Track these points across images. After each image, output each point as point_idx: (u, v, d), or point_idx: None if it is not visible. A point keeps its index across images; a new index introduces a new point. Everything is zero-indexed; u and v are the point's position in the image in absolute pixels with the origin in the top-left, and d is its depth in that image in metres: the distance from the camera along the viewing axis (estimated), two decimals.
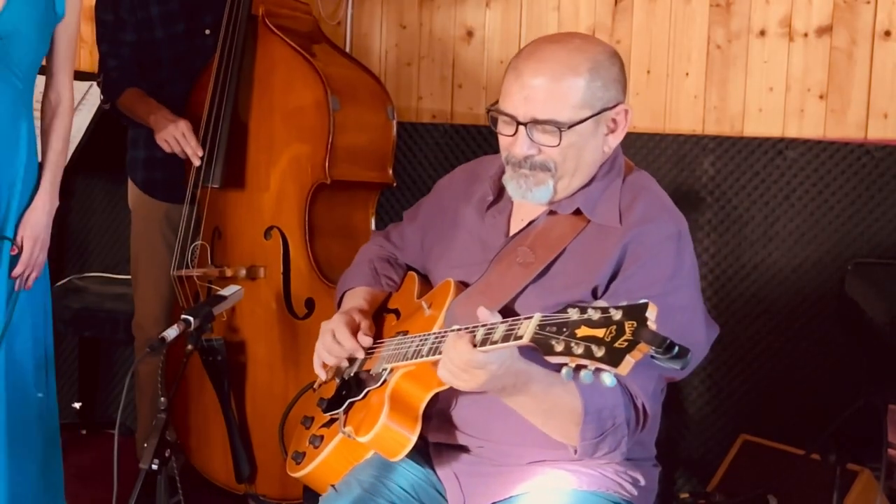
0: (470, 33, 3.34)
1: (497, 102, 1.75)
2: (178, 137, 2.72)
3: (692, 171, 3.00)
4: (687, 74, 3.07)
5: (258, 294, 2.69)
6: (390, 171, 2.85)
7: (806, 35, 2.94)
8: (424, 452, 1.88)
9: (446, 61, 3.37)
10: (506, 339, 1.46)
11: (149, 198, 3.03)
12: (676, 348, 1.28)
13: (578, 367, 1.35)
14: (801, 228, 2.90)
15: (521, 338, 1.43)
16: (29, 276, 2.36)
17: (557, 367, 1.69)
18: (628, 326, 1.31)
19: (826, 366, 2.87)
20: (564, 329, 1.37)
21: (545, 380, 1.60)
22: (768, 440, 2.73)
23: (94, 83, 3.64)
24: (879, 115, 2.88)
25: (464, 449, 1.84)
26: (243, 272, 2.68)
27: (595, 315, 1.35)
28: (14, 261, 2.34)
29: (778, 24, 2.96)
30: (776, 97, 2.98)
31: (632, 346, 1.30)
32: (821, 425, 2.42)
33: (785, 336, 2.92)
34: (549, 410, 1.64)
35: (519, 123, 1.70)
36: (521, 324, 1.45)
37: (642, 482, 1.81)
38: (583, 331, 1.35)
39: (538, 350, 1.39)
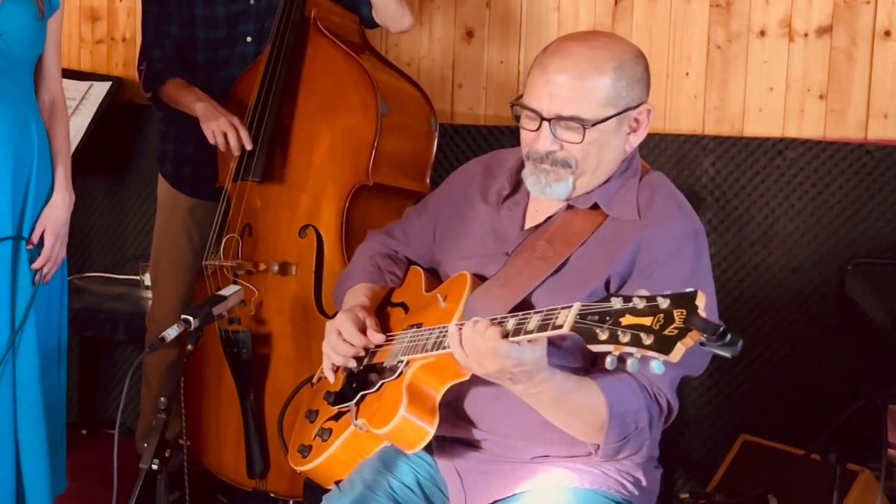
0: (470, 33, 3.34)
1: (521, 97, 1.76)
2: (227, 131, 2.68)
3: (692, 171, 3.00)
4: (687, 74, 3.07)
5: (288, 291, 2.69)
6: (427, 182, 2.83)
7: (806, 35, 2.94)
8: (428, 446, 1.88)
9: (446, 61, 3.37)
10: (542, 328, 1.46)
11: (176, 192, 3.04)
12: (729, 336, 1.28)
13: (623, 356, 1.34)
14: (801, 228, 2.90)
15: (560, 327, 1.43)
16: (49, 271, 2.40)
17: (581, 370, 1.71)
18: (678, 314, 1.31)
19: (826, 366, 2.86)
20: (608, 318, 1.37)
21: (566, 386, 1.60)
22: (768, 440, 2.73)
23: (93, 83, 3.66)
24: (879, 115, 2.88)
25: (468, 444, 1.84)
26: (276, 268, 2.68)
27: (640, 304, 1.35)
28: (33, 256, 2.38)
29: (778, 24, 2.96)
30: (776, 97, 2.98)
31: (683, 333, 1.29)
32: (821, 425, 2.42)
33: (785, 336, 2.92)
34: (570, 414, 1.64)
35: (543, 119, 1.71)
36: (560, 313, 1.45)
37: (644, 483, 1.82)
38: (627, 319, 1.35)
39: (581, 338, 1.39)
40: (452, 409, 1.83)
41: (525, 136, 1.78)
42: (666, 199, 1.77)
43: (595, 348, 1.38)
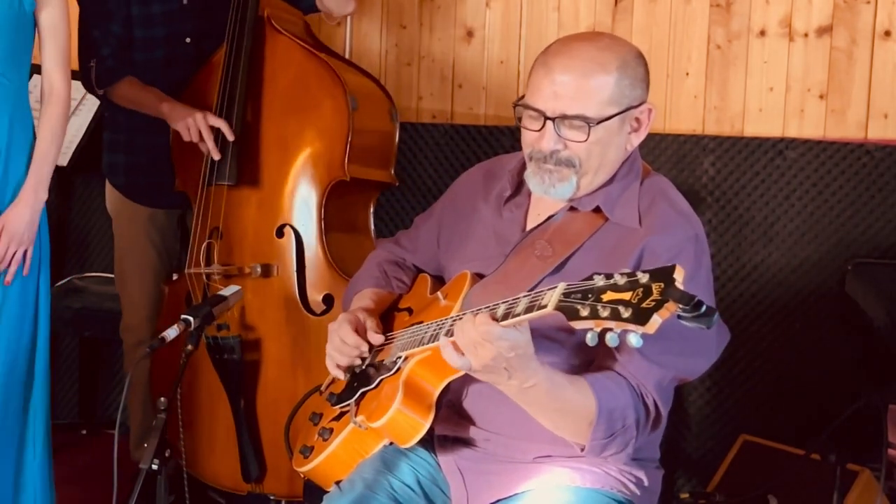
0: (470, 33, 3.34)
1: (523, 97, 1.76)
2: (201, 127, 2.66)
3: (692, 171, 3.01)
4: (687, 74, 3.07)
5: (271, 292, 2.69)
6: (392, 172, 2.88)
7: (806, 35, 2.94)
8: (430, 445, 1.89)
9: (446, 61, 3.37)
10: (529, 309, 1.46)
11: (131, 202, 2.98)
12: (704, 306, 1.29)
13: (604, 331, 1.35)
14: (801, 228, 2.90)
15: (545, 307, 1.43)
16: (7, 271, 2.33)
17: (572, 367, 1.71)
18: (655, 288, 1.31)
19: (826, 366, 2.87)
20: (590, 295, 1.37)
21: (557, 380, 1.60)
22: (768, 440, 2.73)
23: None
24: (879, 115, 2.88)
25: (469, 443, 1.84)
26: (258, 270, 2.69)
27: (621, 280, 1.36)
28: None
29: (778, 24, 2.97)
30: (776, 97, 2.98)
31: (659, 304, 1.30)
32: (821, 425, 2.42)
33: (785, 336, 2.92)
34: (560, 410, 1.64)
35: (547, 118, 1.71)
36: (545, 294, 1.45)
37: (646, 482, 1.82)
38: (608, 295, 1.35)
39: (564, 316, 1.39)
40: (455, 409, 1.84)
41: (527, 136, 1.78)
42: (666, 205, 1.77)
43: (577, 325, 1.38)
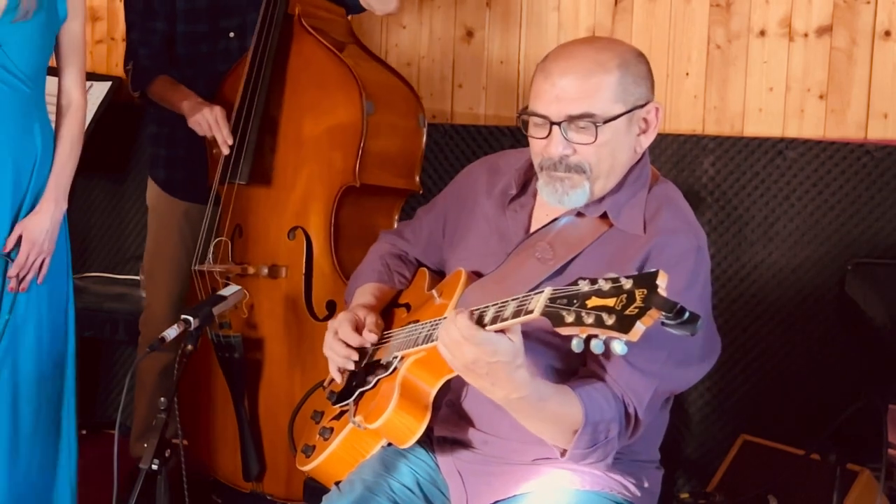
0: (470, 33, 3.34)
1: (527, 107, 1.74)
2: (211, 122, 2.68)
3: (692, 171, 3.00)
4: (687, 74, 3.07)
5: (278, 293, 2.69)
6: (417, 179, 2.82)
7: (806, 35, 2.94)
8: (429, 446, 1.89)
9: (446, 61, 3.37)
10: (516, 314, 1.46)
11: (169, 196, 3.03)
12: (687, 314, 1.28)
13: (589, 338, 1.35)
14: (801, 228, 2.90)
15: (531, 312, 1.42)
16: (24, 278, 2.36)
17: (560, 371, 1.71)
18: (639, 294, 1.31)
19: (826, 366, 2.86)
20: (575, 301, 1.37)
21: (545, 392, 1.58)
22: (768, 440, 2.73)
23: (93, 83, 3.66)
24: (879, 115, 2.88)
25: (468, 445, 1.84)
26: (265, 271, 2.68)
27: (605, 286, 1.35)
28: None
29: (778, 24, 2.96)
30: (776, 97, 2.98)
31: (642, 312, 1.29)
32: (821, 425, 2.42)
33: (785, 336, 2.92)
34: (546, 420, 1.63)
35: (553, 124, 1.70)
36: (532, 299, 1.45)
37: (646, 484, 1.82)
38: (593, 301, 1.35)
39: (549, 322, 1.39)
40: (454, 410, 1.84)
41: (535, 144, 1.76)
42: (671, 214, 1.76)
43: (562, 331, 1.38)
